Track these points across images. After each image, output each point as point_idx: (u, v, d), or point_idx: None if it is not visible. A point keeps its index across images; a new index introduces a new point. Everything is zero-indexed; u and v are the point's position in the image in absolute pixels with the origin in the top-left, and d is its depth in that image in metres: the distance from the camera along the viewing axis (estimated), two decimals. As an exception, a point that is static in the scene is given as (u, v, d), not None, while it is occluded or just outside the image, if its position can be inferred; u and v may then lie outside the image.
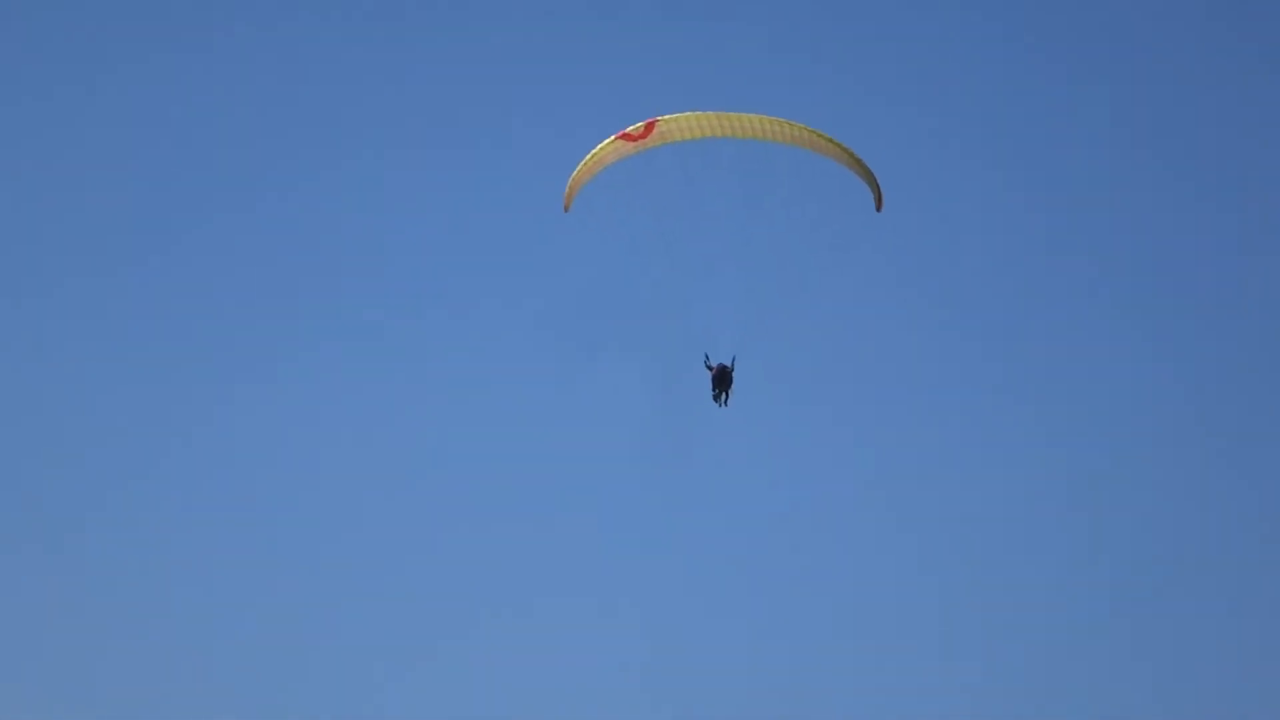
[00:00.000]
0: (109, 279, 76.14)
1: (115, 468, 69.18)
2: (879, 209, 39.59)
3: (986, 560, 65.57)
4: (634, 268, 40.03)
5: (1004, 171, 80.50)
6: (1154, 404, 72.66)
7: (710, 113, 38.53)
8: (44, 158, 78.94)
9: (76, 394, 71.55)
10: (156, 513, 67.14)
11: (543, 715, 59.48)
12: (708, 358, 41.89)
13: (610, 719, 59.76)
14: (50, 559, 65.37)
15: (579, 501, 67.14)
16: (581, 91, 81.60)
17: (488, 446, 70.58)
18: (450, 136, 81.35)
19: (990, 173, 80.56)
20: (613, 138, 38.96)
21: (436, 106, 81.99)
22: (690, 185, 38.68)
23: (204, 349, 73.84)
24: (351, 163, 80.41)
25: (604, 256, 43.08)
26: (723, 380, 41.95)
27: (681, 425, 43.97)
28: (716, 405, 42.14)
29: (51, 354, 73.06)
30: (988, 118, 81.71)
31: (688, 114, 38.56)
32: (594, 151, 39.09)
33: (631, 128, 38.85)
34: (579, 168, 39.26)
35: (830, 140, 38.91)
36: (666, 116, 38.69)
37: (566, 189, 39.50)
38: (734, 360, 41.83)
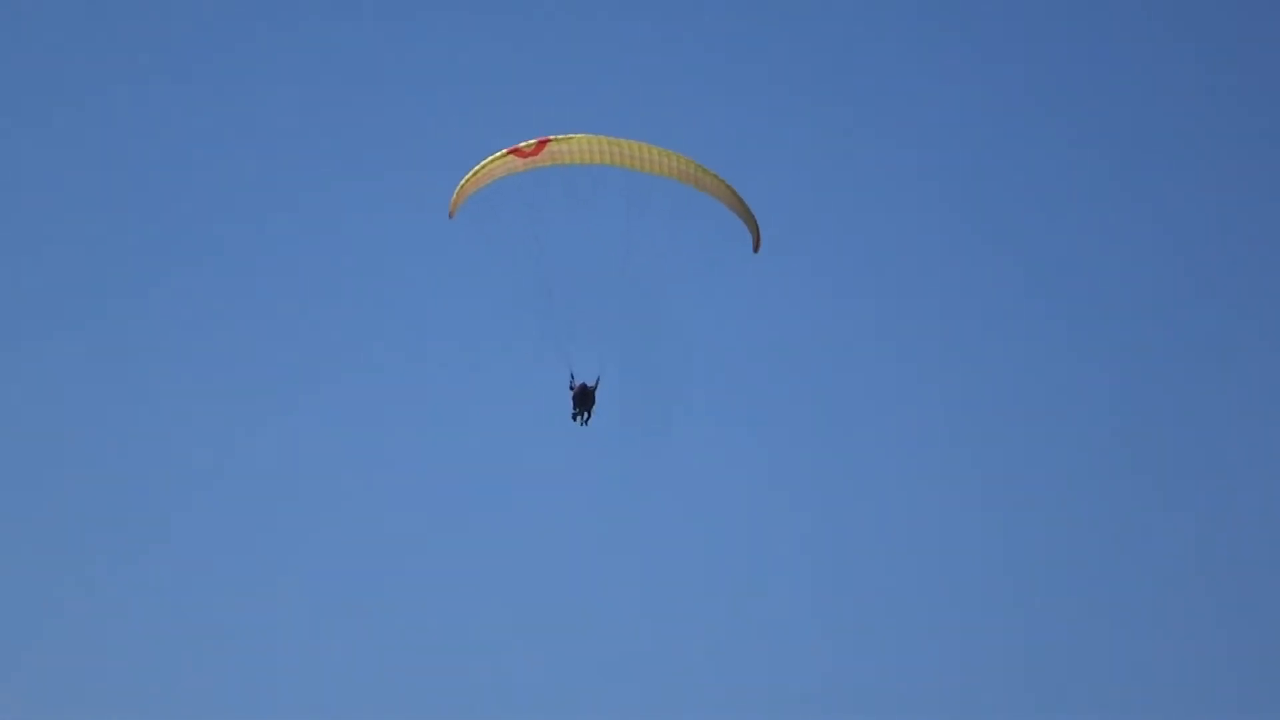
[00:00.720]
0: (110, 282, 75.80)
1: (114, 466, 68.66)
2: (756, 250, 40.44)
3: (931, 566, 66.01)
4: (513, 281, 40.60)
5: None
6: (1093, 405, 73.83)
7: (602, 137, 39.17)
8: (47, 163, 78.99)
9: (77, 394, 71.01)
10: (156, 512, 66.82)
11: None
12: (572, 377, 42.59)
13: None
14: (51, 558, 65.04)
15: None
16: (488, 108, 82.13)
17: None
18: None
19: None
20: (504, 151, 39.41)
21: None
22: (574, 206, 39.32)
23: (203, 348, 73.76)
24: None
25: (484, 267, 43.33)
26: (584, 400, 42.60)
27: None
28: (576, 424, 42.87)
29: (53, 354, 72.51)
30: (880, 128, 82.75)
31: (580, 136, 39.12)
32: (484, 162, 39.44)
33: (524, 144, 39.36)
34: (467, 176, 39.63)
35: (716, 178, 39.69)
36: (559, 136, 39.26)
37: (453, 196, 39.95)
38: (598, 380, 42.53)
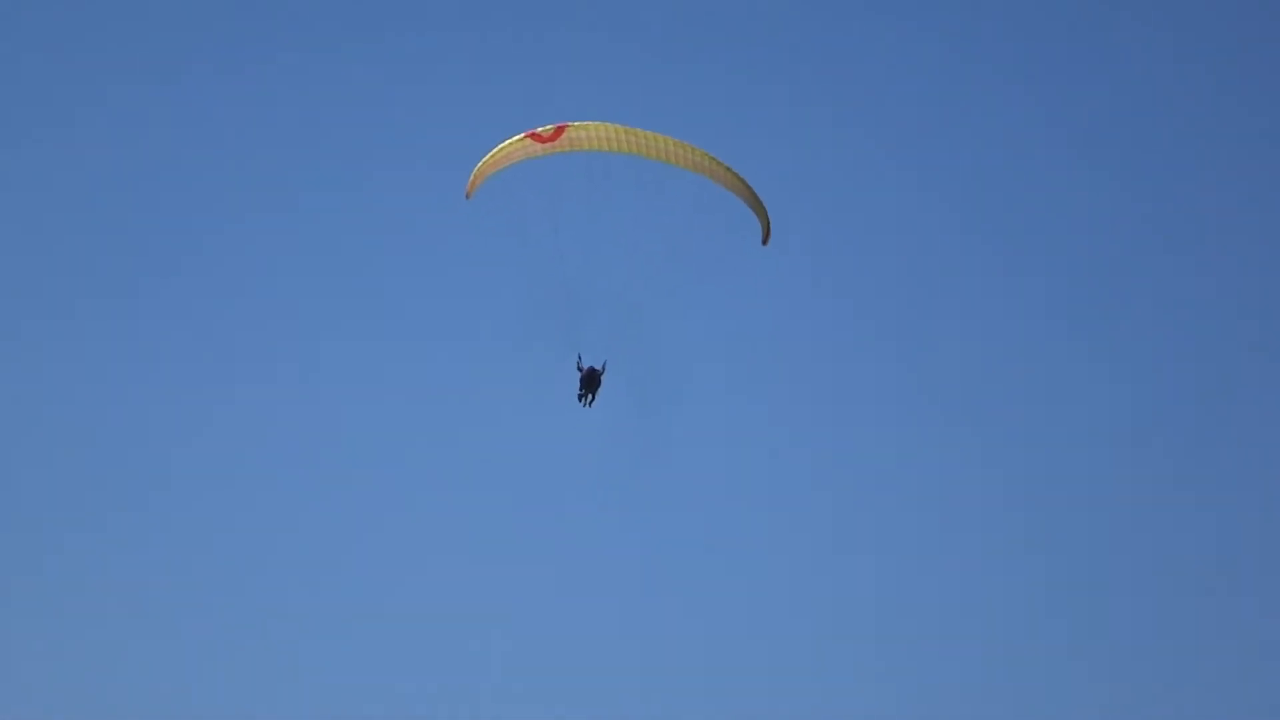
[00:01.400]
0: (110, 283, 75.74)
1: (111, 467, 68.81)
2: (765, 243, 41.15)
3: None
4: (527, 264, 41.29)
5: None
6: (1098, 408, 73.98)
7: (619, 125, 39.82)
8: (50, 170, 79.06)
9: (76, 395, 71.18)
10: (154, 512, 66.87)
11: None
12: (580, 359, 43.34)
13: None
14: (50, 560, 64.96)
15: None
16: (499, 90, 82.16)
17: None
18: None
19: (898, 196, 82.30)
20: (522, 135, 40.05)
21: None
22: (589, 192, 39.99)
23: (202, 348, 73.67)
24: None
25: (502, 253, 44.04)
26: (590, 382, 43.41)
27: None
28: (581, 405, 43.65)
29: (51, 356, 72.71)
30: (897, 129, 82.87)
31: (597, 124, 39.75)
32: (502, 145, 40.08)
33: (542, 128, 40.01)
34: (485, 159, 40.25)
35: (729, 170, 40.34)
36: (576, 123, 39.91)
37: (471, 177, 40.61)
38: (604, 365, 43.28)
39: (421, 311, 76.64)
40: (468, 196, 40.82)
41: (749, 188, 40.47)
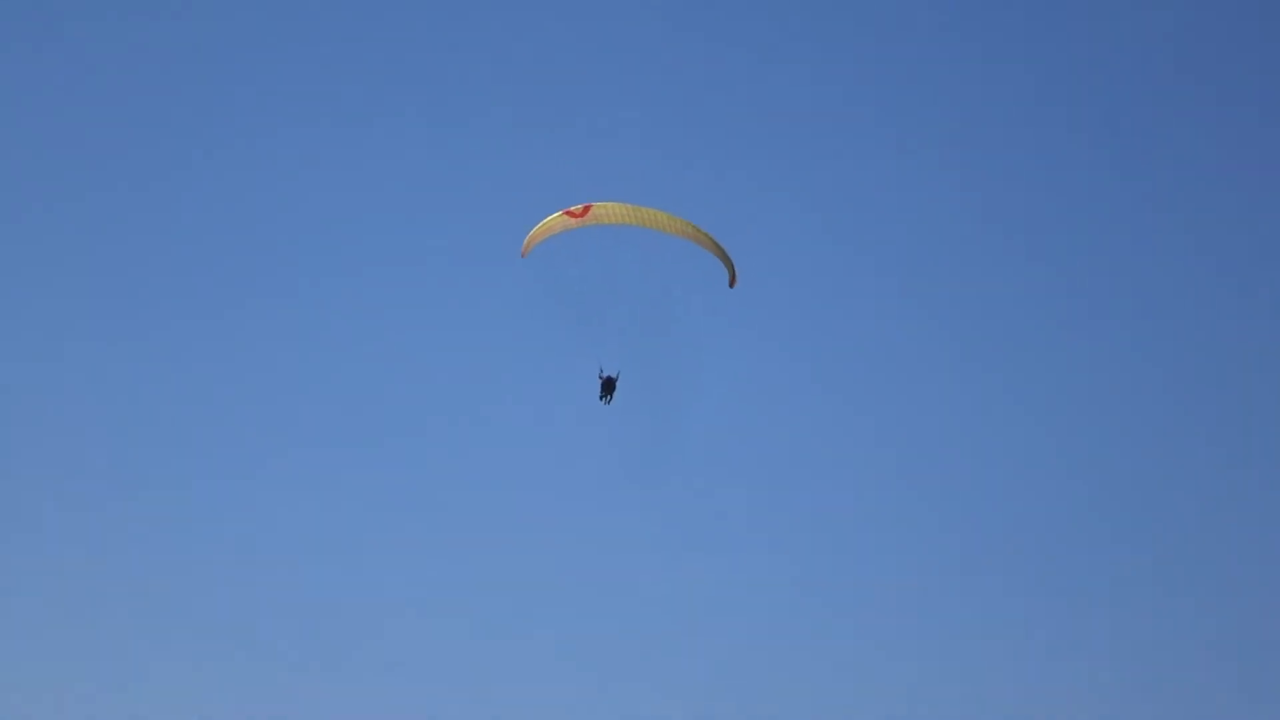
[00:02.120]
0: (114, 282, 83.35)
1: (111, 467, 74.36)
2: (732, 285, 57.70)
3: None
4: (563, 301, 56.91)
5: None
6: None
7: (629, 205, 55.65)
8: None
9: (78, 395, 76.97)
10: (153, 513, 72.11)
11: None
12: (601, 369, 59.72)
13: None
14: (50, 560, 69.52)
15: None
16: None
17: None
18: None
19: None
20: (560, 213, 55.86)
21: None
22: (609, 253, 56.53)
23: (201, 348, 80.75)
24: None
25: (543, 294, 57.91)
26: (608, 387, 59.88)
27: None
28: (602, 403, 60.40)
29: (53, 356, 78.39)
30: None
31: (614, 204, 55.67)
32: (546, 220, 55.55)
33: (575, 207, 56.01)
34: (534, 229, 56.17)
35: (705, 233, 56.71)
36: (599, 203, 55.89)
37: (525, 243, 57.01)
38: (618, 373, 59.70)
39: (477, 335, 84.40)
40: (523, 256, 57.39)
41: (719, 245, 57.06)
